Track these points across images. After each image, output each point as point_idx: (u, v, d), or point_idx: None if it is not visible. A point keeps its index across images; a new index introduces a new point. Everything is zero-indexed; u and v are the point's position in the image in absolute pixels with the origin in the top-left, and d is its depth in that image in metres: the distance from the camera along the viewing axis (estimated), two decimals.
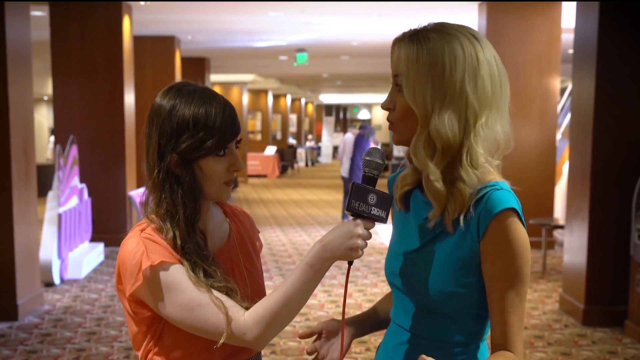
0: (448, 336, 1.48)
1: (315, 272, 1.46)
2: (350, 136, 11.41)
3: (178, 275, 1.48)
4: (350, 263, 1.49)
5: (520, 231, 1.40)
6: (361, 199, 1.43)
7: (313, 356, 1.63)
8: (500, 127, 1.44)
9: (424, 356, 1.29)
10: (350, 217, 1.46)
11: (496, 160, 1.47)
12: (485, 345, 1.54)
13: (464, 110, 1.40)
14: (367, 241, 1.44)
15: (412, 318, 1.53)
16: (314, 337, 1.65)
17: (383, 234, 9.87)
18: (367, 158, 1.47)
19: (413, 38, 1.42)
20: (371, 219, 1.44)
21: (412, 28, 1.46)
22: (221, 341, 1.45)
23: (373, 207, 1.43)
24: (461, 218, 1.42)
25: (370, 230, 1.45)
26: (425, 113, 1.40)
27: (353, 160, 10.90)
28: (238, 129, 1.56)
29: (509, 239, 1.39)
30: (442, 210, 1.44)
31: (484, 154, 1.42)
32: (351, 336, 1.66)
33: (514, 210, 1.39)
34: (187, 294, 1.46)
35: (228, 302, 1.48)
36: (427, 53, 1.39)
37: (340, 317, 1.54)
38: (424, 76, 1.39)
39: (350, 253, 1.43)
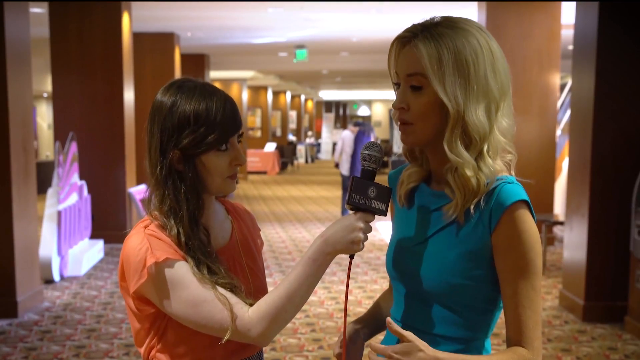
0: (454, 331, 1.47)
1: (317, 266, 1.46)
2: (348, 133, 11.37)
3: (183, 271, 1.47)
4: (351, 256, 1.49)
5: (531, 224, 1.40)
6: (361, 192, 1.44)
7: None
8: (510, 115, 1.47)
9: (389, 319, 1.34)
10: (351, 211, 1.47)
11: (509, 155, 1.49)
12: (490, 342, 1.53)
13: (489, 102, 1.42)
14: (368, 236, 1.45)
15: (416, 314, 1.52)
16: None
17: (383, 230, 9.88)
18: (366, 152, 1.48)
19: (427, 35, 1.41)
20: (371, 212, 1.45)
21: (417, 23, 1.45)
22: (226, 337, 1.45)
23: (373, 200, 1.44)
24: (472, 209, 1.42)
25: (370, 225, 1.45)
26: (458, 108, 1.40)
27: (354, 157, 10.85)
28: (239, 123, 1.56)
29: (521, 230, 1.39)
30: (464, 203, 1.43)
31: (503, 143, 1.45)
32: (363, 342, 1.65)
33: (525, 202, 1.40)
34: (192, 291, 1.46)
35: (233, 299, 1.48)
36: (447, 50, 1.39)
37: (342, 315, 1.54)
38: (451, 74, 1.39)
39: (351, 246, 1.44)
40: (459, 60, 1.39)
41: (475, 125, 1.40)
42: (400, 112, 1.45)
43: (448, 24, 1.42)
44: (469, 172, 1.40)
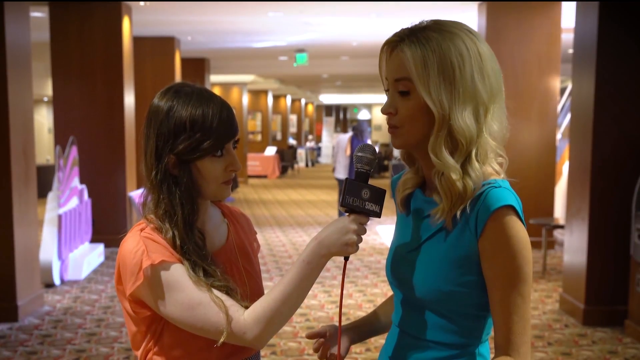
0: (447, 338, 1.47)
1: (312, 268, 1.47)
2: (344, 137, 11.36)
3: (178, 274, 1.48)
4: (346, 258, 1.49)
5: (518, 229, 1.38)
6: (355, 194, 1.44)
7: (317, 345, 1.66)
8: (503, 118, 1.46)
9: None
10: (345, 214, 1.47)
11: (499, 157, 1.47)
12: (486, 346, 1.53)
13: (476, 105, 1.41)
14: (366, 240, 1.45)
15: (411, 320, 1.52)
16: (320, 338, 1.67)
17: (383, 234, 9.87)
18: (359, 154, 1.48)
19: (413, 39, 1.41)
20: (365, 214, 1.45)
21: (405, 28, 1.44)
22: (221, 340, 1.46)
23: (367, 202, 1.44)
24: (458, 214, 1.41)
25: (370, 231, 1.46)
26: (443, 112, 1.39)
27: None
28: (235, 129, 1.56)
29: (507, 236, 1.37)
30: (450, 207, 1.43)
31: (493, 147, 1.44)
32: (349, 341, 1.67)
33: (512, 207, 1.38)
34: (188, 293, 1.47)
35: (228, 302, 1.48)
36: (433, 54, 1.38)
37: (339, 316, 1.54)
38: (436, 77, 1.38)
39: (346, 248, 1.44)
40: (444, 63, 1.38)
41: (461, 129, 1.39)
42: (389, 117, 1.46)
43: (435, 27, 1.42)
44: (454, 176, 1.40)
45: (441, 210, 1.43)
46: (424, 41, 1.39)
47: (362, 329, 1.72)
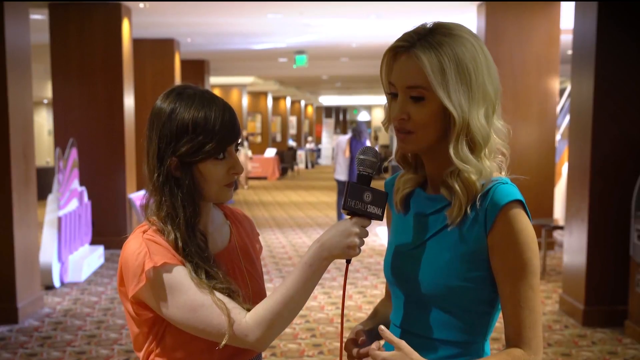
0: (452, 335, 1.47)
1: (314, 271, 1.47)
2: (343, 138, 11.36)
3: (181, 276, 1.48)
4: (348, 261, 1.49)
5: (527, 223, 1.41)
6: (357, 197, 1.44)
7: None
8: (500, 115, 1.49)
9: (382, 327, 1.38)
10: (347, 216, 1.47)
11: (500, 156, 1.50)
12: (489, 345, 1.53)
13: (487, 106, 1.44)
14: (366, 241, 1.45)
15: (414, 319, 1.52)
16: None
17: (383, 236, 9.87)
18: (361, 157, 1.48)
19: (425, 44, 1.40)
20: (367, 217, 1.45)
21: (411, 32, 1.44)
22: (223, 342, 1.46)
23: (369, 205, 1.44)
24: (468, 210, 1.42)
25: (370, 232, 1.46)
26: (463, 116, 1.40)
27: (353, 163, 10.80)
28: (238, 132, 1.56)
29: (517, 230, 1.40)
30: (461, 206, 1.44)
31: (499, 144, 1.47)
32: (374, 339, 1.66)
33: (520, 202, 1.41)
34: (190, 296, 1.47)
35: (230, 304, 1.49)
36: (449, 59, 1.39)
37: (342, 319, 1.54)
38: (454, 83, 1.39)
39: (348, 251, 1.44)
40: (461, 68, 1.39)
41: (479, 130, 1.42)
42: (401, 122, 1.45)
43: (443, 30, 1.42)
44: (474, 177, 1.42)
45: (457, 209, 1.44)
46: (437, 46, 1.39)
47: (374, 328, 1.71)
